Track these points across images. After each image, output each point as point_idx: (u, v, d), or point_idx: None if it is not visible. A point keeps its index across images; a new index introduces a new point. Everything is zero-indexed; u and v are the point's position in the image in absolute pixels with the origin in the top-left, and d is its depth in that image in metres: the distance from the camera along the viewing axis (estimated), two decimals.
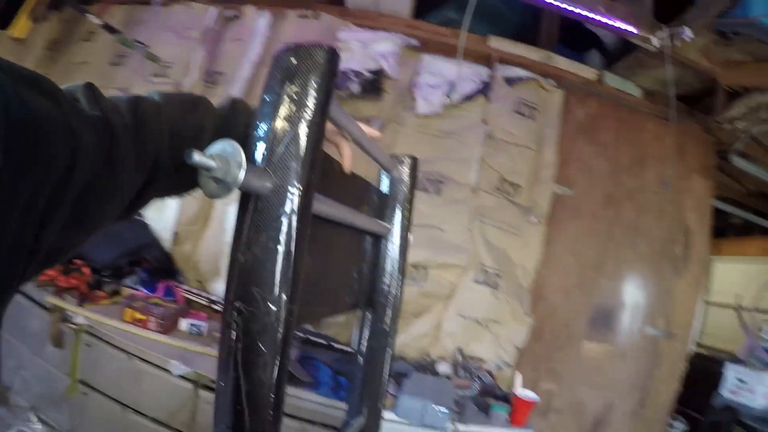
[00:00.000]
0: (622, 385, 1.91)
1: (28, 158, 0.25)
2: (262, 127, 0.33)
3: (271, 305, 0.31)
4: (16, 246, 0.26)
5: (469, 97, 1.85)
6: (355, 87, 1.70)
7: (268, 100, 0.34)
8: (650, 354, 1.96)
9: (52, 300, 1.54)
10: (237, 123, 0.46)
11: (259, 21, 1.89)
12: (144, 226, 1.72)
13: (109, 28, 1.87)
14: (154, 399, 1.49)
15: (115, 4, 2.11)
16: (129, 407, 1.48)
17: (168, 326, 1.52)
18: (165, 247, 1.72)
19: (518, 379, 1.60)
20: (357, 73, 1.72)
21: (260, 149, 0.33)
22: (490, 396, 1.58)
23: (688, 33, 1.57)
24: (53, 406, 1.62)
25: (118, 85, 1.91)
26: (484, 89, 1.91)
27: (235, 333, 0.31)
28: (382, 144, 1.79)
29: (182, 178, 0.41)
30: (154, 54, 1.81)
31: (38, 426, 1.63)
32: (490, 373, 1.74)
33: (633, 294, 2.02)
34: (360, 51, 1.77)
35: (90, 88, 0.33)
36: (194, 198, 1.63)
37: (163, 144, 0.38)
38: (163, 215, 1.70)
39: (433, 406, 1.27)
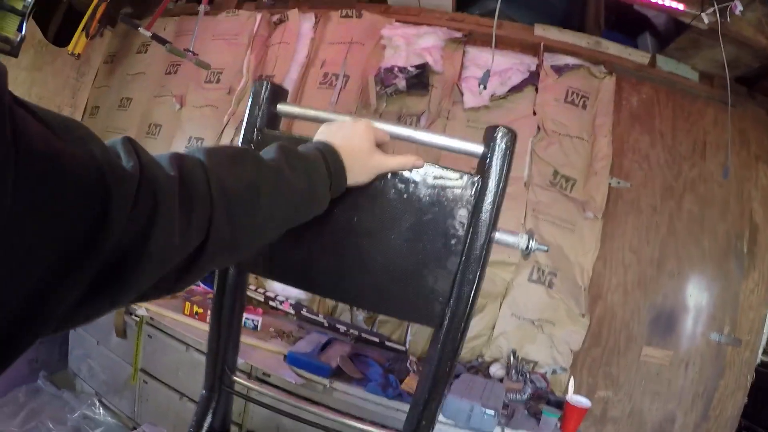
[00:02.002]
0: (684, 395, 1.77)
1: (45, 203, 0.20)
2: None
3: None
4: (19, 311, 0.21)
5: (517, 88, 1.80)
6: (401, 83, 1.69)
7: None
8: (715, 362, 1.80)
9: None
10: (339, 175, 0.48)
11: (303, 24, 1.91)
12: None
13: (159, 39, 1.96)
14: None
15: (164, 16, 2.21)
16: (186, 396, 1.54)
17: None
18: None
19: (571, 384, 1.53)
20: (402, 69, 1.71)
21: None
22: (542, 401, 1.51)
23: (738, 6, 1.45)
24: (116, 392, 1.72)
25: (173, 92, 1.99)
26: (532, 79, 1.84)
27: None
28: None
29: (240, 245, 0.37)
30: (204, 61, 1.87)
31: (101, 411, 1.73)
32: (543, 376, 1.67)
33: (696, 295, 1.86)
34: (404, 47, 1.76)
35: (129, 141, 0.29)
36: None
37: (216, 205, 0.33)
38: None
39: (481, 408, 1.23)
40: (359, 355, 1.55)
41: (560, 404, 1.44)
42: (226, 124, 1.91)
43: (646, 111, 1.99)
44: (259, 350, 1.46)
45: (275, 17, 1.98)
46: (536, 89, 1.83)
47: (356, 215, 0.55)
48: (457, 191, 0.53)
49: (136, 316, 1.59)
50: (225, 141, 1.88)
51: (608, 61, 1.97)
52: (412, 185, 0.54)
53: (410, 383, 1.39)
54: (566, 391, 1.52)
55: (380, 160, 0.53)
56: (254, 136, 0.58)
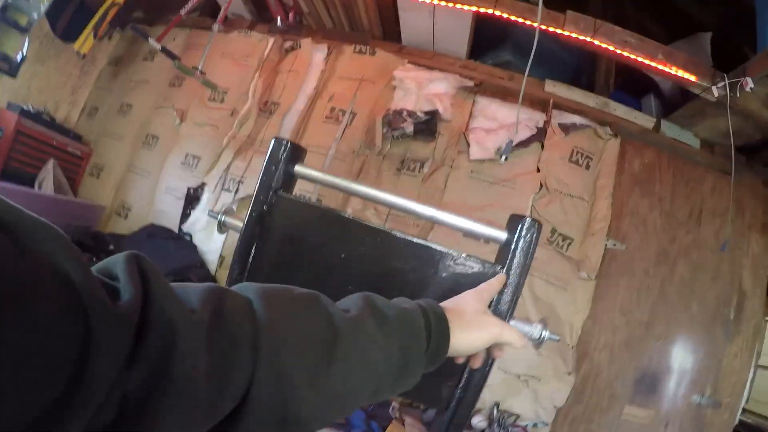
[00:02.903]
0: None
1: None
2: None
3: None
4: None
5: (524, 144, 1.79)
6: (409, 128, 1.67)
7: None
8: (694, 423, 1.81)
9: None
10: (440, 340, 0.36)
11: (316, 54, 1.89)
12: (193, 248, 1.73)
13: (169, 54, 1.92)
14: None
15: (176, 27, 2.18)
16: None
17: None
18: (210, 269, 1.72)
19: None
20: (411, 114, 1.69)
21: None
22: None
23: (750, 83, 1.48)
24: None
25: (176, 105, 1.95)
26: (539, 136, 1.84)
27: None
28: (432, 188, 1.76)
29: (289, 422, 0.26)
30: (211, 82, 1.83)
31: None
32: (524, 429, 1.65)
33: (682, 358, 1.87)
34: (415, 90, 1.74)
35: (135, 260, 0.22)
36: None
37: (261, 365, 0.24)
38: (211, 239, 1.70)
39: None
40: None
41: None
42: (225, 146, 1.86)
43: (648, 175, 2.01)
44: None
45: (287, 44, 1.96)
46: (542, 146, 1.83)
47: (372, 288, 0.52)
48: (477, 279, 0.51)
49: None
50: (222, 164, 1.83)
51: (614, 122, 1.99)
52: (434, 268, 0.52)
53: None
54: None
55: (495, 326, 0.42)
56: (268, 198, 0.55)
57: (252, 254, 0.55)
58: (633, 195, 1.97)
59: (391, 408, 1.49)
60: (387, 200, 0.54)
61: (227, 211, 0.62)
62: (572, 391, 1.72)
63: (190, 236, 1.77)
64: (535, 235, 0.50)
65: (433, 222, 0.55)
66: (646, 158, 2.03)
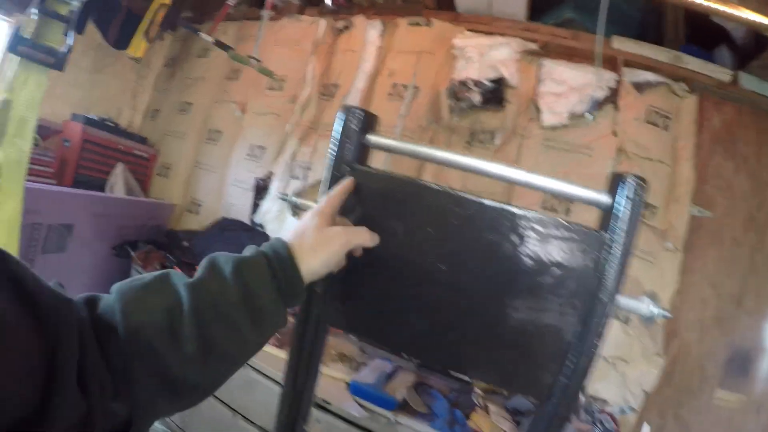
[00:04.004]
0: None
1: None
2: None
3: None
4: None
5: (597, 106, 1.68)
6: (476, 97, 1.61)
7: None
8: None
9: None
10: (289, 271, 0.39)
11: (370, 31, 1.85)
12: (266, 238, 1.75)
13: (221, 45, 1.94)
14: (263, 409, 1.51)
15: (224, 21, 2.20)
16: (239, 413, 1.50)
17: (285, 341, 1.53)
18: None
19: (645, 430, 1.41)
20: (477, 82, 1.63)
21: None
22: None
23: None
24: None
25: (235, 98, 1.97)
26: (612, 96, 1.73)
27: None
28: (505, 159, 1.70)
29: (178, 383, 0.32)
30: (267, 69, 1.84)
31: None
32: (612, 416, 1.56)
33: None
34: (477, 58, 1.67)
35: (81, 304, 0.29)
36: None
37: (131, 345, 0.31)
38: (284, 228, 1.72)
39: None
40: (423, 384, 1.48)
41: None
42: (289, 134, 1.87)
43: (729, 133, 1.84)
44: (320, 375, 1.41)
45: (340, 24, 1.93)
46: (616, 107, 1.71)
47: (459, 272, 0.48)
48: (581, 249, 0.45)
49: None
50: (288, 152, 1.85)
51: (689, 77, 1.83)
52: (529, 240, 0.46)
53: (477, 420, 1.32)
54: None
55: (340, 236, 0.43)
56: (343, 172, 0.51)
57: None
58: (716, 156, 1.82)
59: (474, 395, 1.46)
60: (475, 166, 0.49)
61: (299, 193, 0.60)
62: (661, 373, 1.62)
63: (263, 227, 1.80)
64: (640, 194, 0.44)
65: (527, 187, 0.48)
66: (726, 115, 1.86)
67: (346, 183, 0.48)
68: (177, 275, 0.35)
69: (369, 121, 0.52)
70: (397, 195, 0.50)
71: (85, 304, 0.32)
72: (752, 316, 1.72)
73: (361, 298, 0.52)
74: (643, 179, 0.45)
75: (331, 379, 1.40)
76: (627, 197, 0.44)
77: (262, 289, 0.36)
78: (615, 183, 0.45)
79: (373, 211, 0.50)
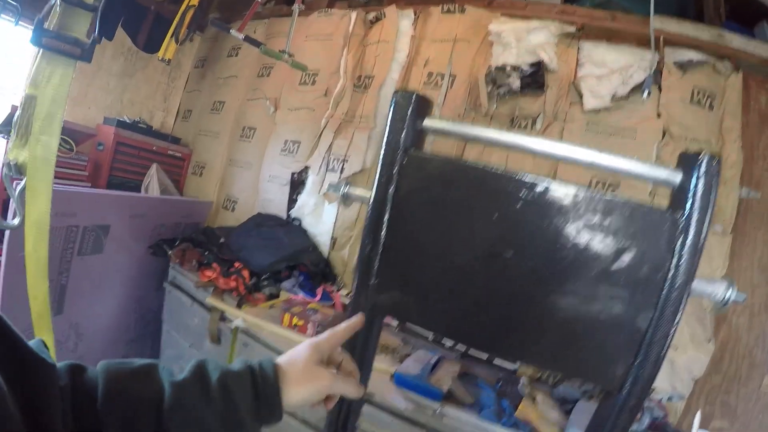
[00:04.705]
0: None
1: None
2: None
3: None
4: None
5: (639, 88, 1.63)
6: (515, 83, 1.58)
7: None
8: None
9: (212, 301, 1.62)
10: (269, 393, 0.40)
11: (402, 21, 1.84)
12: (303, 233, 1.76)
13: (252, 42, 1.95)
14: None
15: (253, 19, 2.21)
16: None
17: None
18: (323, 251, 1.74)
19: (697, 419, 1.35)
20: (515, 68, 1.60)
21: None
22: None
23: None
24: None
25: (267, 94, 1.98)
26: (655, 77, 1.67)
27: None
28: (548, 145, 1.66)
29: None
30: (300, 63, 1.84)
31: None
32: (660, 404, 1.52)
33: None
34: (515, 43, 1.64)
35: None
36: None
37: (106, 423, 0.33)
38: (321, 221, 1.72)
39: None
40: (467, 374, 1.46)
41: None
42: (324, 127, 1.87)
43: None
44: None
45: (371, 15, 1.92)
46: (659, 88, 1.66)
47: (527, 258, 0.46)
48: (653, 231, 0.43)
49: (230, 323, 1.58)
50: (323, 145, 1.85)
51: (732, 55, 1.77)
52: (598, 223, 0.44)
53: (524, 411, 1.29)
54: (682, 420, 1.36)
55: (326, 379, 0.44)
56: (398, 159, 0.49)
57: (385, 226, 0.50)
58: (763, 136, 1.75)
59: (520, 384, 1.43)
60: (541, 148, 0.46)
61: (348, 183, 0.58)
62: (710, 360, 1.57)
63: (299, 221, 1.80)
64: (715, 171, 0.42)
65: (594, 167, 0.45)
66: None
67: (353, 321, 0.48)
68: (165, 369, 0.38)
69: (423, 105, 0.51)
70: (457, 180, 0.48)
71: (68, 372, 0.34)
72: None
73: (424, 289, 0.50)
74: (717, 156, 0.42)
75: (375, 371, 1.38)
76: (702, 174, 0.41)
77: (243, 403, 0.39)
78: (688, 161, 0.43)
79: (434, 197, 0.49)
